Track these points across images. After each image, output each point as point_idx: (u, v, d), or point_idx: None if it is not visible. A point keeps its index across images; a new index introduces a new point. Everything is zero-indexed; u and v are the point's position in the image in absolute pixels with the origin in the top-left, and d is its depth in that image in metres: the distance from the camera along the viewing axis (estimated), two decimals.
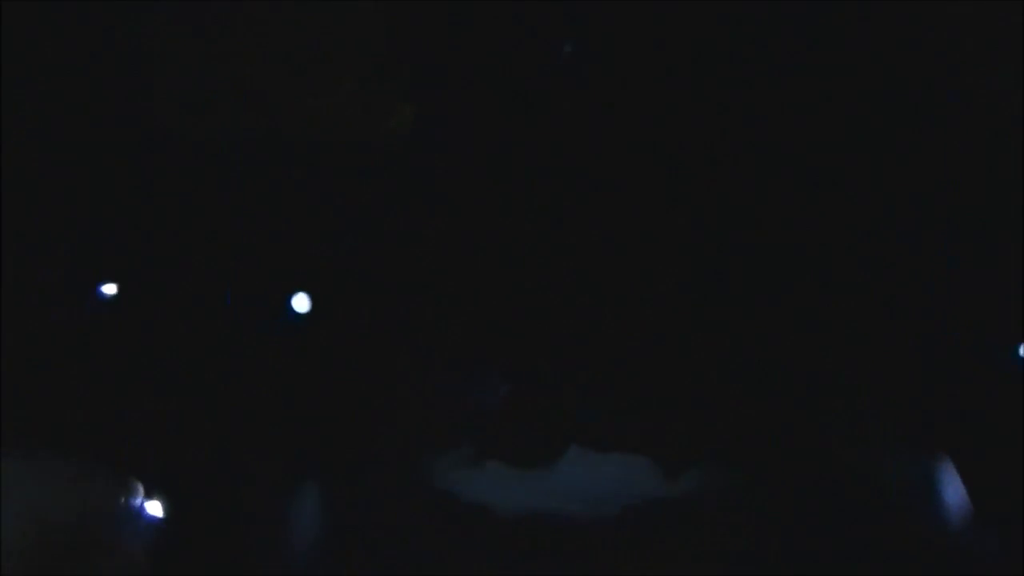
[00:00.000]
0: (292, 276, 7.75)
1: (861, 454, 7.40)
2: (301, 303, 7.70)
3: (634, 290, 7.79)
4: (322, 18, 7.74)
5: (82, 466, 6.35)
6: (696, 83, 7.79)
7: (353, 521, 7.00)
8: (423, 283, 7.91)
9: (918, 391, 7.59)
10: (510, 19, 7.92)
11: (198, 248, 7.77)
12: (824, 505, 7.05)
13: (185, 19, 7.73)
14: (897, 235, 7.72)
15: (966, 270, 7.59)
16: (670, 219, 7.78)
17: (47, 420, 6.82)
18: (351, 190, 7.89)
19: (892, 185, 7.74)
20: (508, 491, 7.14)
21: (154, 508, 6.38)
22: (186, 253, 7.74)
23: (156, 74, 7.78)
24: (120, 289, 7.56)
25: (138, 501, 6.38)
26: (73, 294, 7.56)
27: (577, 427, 7.50)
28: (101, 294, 7.51)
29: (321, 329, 7.75)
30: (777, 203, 7.77)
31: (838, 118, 7.71)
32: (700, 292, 7.78)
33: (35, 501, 5.86)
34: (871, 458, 7.38)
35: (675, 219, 7.78)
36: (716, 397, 7.64)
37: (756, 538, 6.84)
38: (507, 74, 7.96)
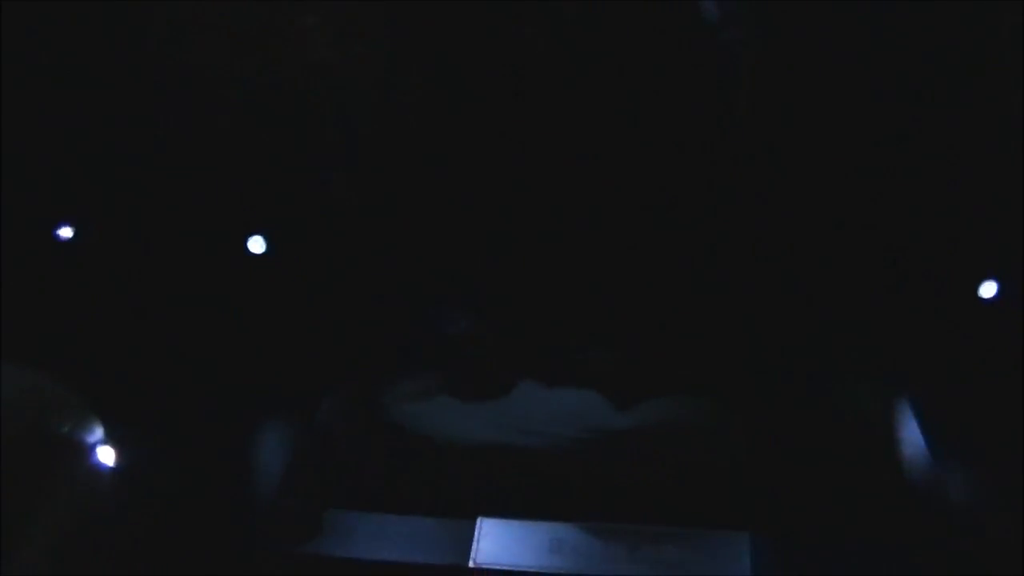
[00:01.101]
0: (249, 215, 7.79)
1: (818, 389, 7.41)
2: (256, 245, 7.75)
3: (587, 224, 7.80)
4: None
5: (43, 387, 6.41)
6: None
7: (307, 454, 7.07)
8: (379, 221, 7.94)
9: (878, 327, 7.60)
10: None
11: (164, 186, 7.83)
12: (780, 438, 7.08)
13: None
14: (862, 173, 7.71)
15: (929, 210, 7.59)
16: (624, 154, 7.77)
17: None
18: (317, 127, 7.90)
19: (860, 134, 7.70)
20: (459, 424, 7.21)
21: (106, 455, 6.42)
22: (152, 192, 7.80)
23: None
24: (81, 229, 7.62)
25: (93, 440, 6.43)
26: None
27: (529, 361, 7.53)
28: (59, 237, 7.57)
29: (277, 265, 7.79)
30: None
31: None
32: (653, 226, 7.78)
33: None
34: (828, 393, 7.39)
35: (629, 154, 7.77)
36: (670, 329, 7.66)
37: (709, 470, 6.87)
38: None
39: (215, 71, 7.72)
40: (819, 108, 7.55)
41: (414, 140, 7.96)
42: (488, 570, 6.23)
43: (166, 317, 7.60)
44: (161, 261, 7.75)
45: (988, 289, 7.37)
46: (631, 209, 7.77)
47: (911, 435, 7.06)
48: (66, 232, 7.62)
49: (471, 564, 6.25)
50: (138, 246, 7.78)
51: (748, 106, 7.65)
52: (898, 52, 7.36)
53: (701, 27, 7.56)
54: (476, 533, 6.36)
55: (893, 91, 7.46)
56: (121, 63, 7.75)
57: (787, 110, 7.65)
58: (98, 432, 6.48)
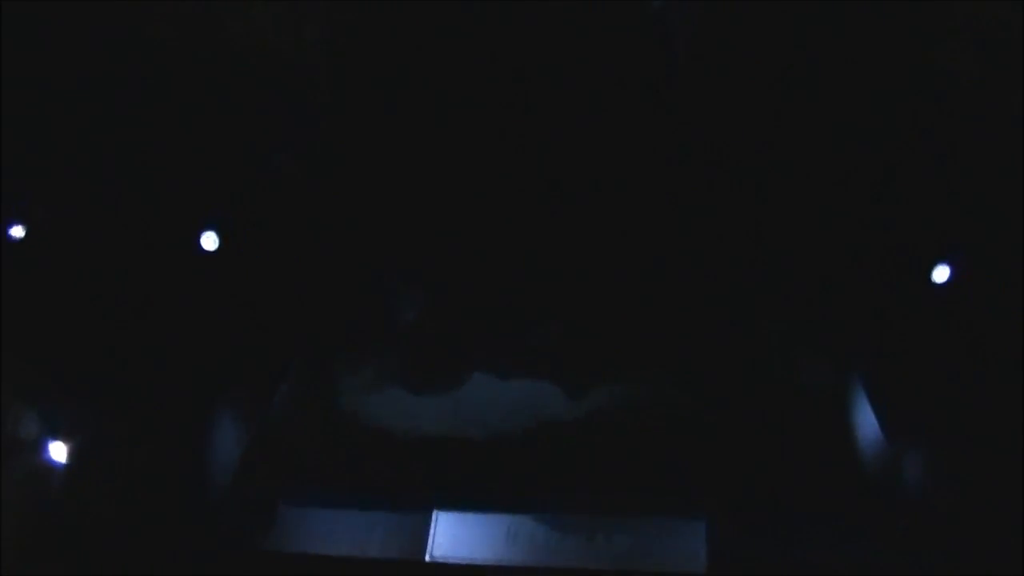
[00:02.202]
0: (201, 210, 7.74)
1: (774, 376, 7.43)
2: (209, 241, 7.67)
3: (537, 217, 7.79)
4: None
5: None
6: None
7: (260, 448, 7.04)
8: (330, 211, 7.91)
9: (834, 313, 7.63)
10: None
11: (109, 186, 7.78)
12: (735, 424, 7.10)
13: None
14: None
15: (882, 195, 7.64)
16: (576, 147, 7.78)
17: None
18: (265, 112, 7.87)
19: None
20: (413, 416, 7.21)
21: (58, 451, 6.35)
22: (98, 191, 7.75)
23: None
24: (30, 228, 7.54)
25: (32, 436, 6.36)
26: None
27: (482, 352, 7.52)
28: (11, 237, 7.47)
29: (230, 258, 7.73)
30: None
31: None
32: (604, 220, 7.78)
33: None
34: (784, 380, 7.40)
35: (581, 147, 7.78)
36: (621, 319, 7.66)
37: (663, 458, 6.88)
38: None
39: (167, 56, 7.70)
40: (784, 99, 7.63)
41: (365, 125, 7.94)
42: (445, 564, 6.24)
43: (117, 311, 7.52)
44: (110, 254, 7.67)
45: (941, 274, 7.39)
46: (582, 203, 7.78)
47: (867, 423, 7.09)
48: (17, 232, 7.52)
49: (427, 558, 6.25)
50: (84, 238, 7.70)
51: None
52: (872, 55, 7.47)
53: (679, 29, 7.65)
54: (432, 527, 6.37)
55: (866, 89, 7.55)
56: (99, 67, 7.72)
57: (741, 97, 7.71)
58: (41, 427, 6.44)
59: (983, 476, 6.57)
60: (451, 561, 6.25)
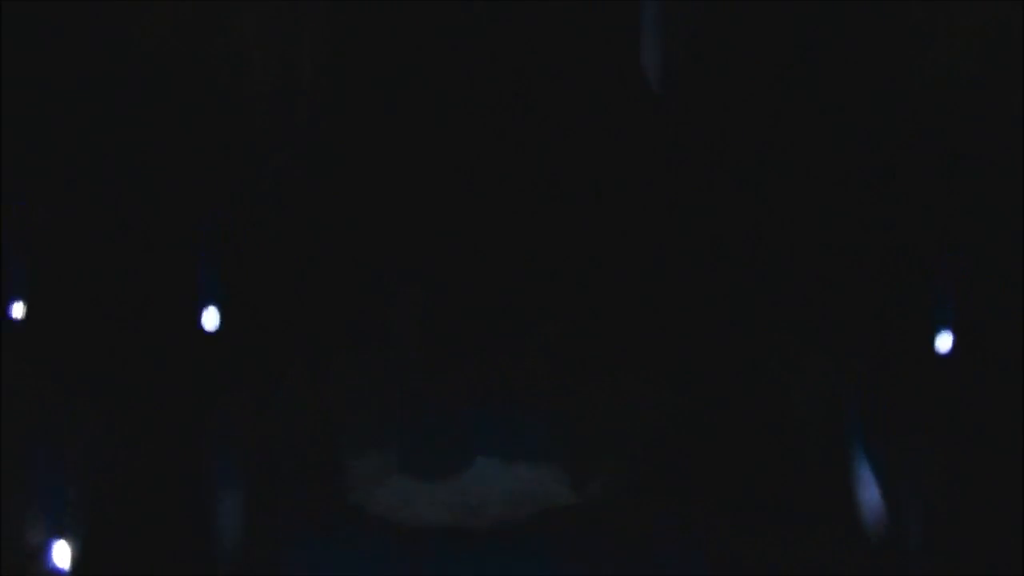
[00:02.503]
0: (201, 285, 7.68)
1: (774, 456, 7.48)
2: (211, 319, 7.58)
3: (531, 295, 7.73)
4: None
5: None
6: None
7: (259, 535, 7.09)
8: (323, 292, 7.84)
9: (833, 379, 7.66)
10: None
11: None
12: (738, 511, 7.23)
13: None
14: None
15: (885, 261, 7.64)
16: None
17: None
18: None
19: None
20: (412, 506, 7.31)
21: (61, 554, 6.38)
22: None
23: None
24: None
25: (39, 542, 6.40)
26: None
27: (483, 438, 7.53)
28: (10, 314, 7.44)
29: (228, 340, 7.70)
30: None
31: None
32: (602, 292, 7.75)
33: None
34: (784, 465, 7.44)
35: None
36: (625, 402, 7.67)
37: (669, 543, 6.95)
38: None
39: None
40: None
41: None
42: None
43: (109, 384, 7.49)
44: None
45: (944, 342, 7.37)
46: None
47: (870, 491, 7.17)
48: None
49: None
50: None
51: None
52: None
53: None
54: None
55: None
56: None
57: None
58: (43, 532, 6.48)
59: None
60: None
